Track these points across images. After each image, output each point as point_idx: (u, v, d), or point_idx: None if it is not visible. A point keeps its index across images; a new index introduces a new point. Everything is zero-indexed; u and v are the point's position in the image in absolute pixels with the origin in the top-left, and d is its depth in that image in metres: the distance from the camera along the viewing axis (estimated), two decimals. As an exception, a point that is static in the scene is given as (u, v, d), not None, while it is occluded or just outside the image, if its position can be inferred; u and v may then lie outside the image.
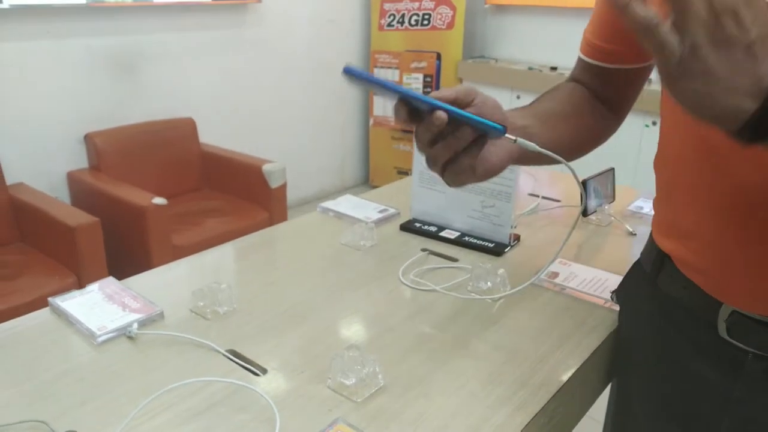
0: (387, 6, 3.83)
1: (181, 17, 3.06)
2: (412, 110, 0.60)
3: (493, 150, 0.65)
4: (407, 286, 0.94)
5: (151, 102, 3.00)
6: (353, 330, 0.84)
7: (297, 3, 3.56)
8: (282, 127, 3.69)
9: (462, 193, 1.10)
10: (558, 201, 1.32)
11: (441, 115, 0.58)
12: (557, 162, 0.68)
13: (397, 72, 3.89)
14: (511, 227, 1.08)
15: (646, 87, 0.83)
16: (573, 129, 0.79)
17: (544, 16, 3.66)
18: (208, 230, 2.64)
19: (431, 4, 3.72)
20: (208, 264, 1.03)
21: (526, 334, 0.82)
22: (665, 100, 0.69)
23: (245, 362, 0.74)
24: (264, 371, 0.73)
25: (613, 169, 1.27)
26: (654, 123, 2.81)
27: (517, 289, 0.91)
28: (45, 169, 2.69)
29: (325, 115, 3.96)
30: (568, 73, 0.88)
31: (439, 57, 3.77)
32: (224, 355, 0.75)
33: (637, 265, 0.82)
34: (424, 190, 1.16)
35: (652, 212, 0.78)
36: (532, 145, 0.63)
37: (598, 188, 1.21)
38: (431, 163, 0.63)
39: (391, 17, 3.84)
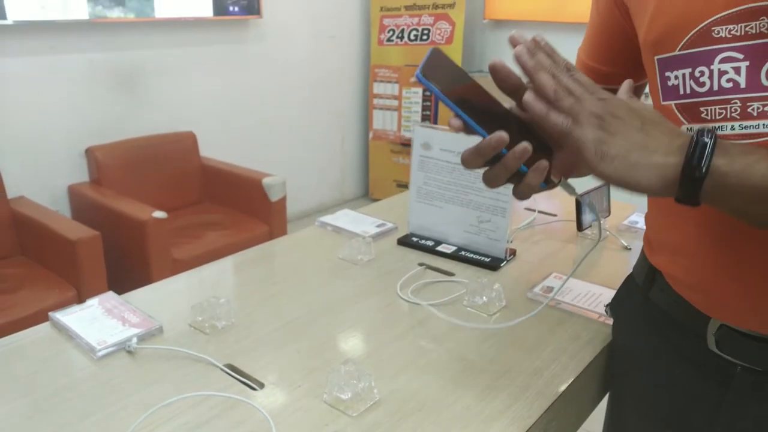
0: (386, 21, 3.87)
1: (183, 33, 3.09)
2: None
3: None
4: (404, 300, 0.95)
5: (152, 116, 3.03)
6: (350, 344, 0.85)
7: (297, 19, 3.60)
8: (282, 141, 3.71)
9: (459, 207, 1.11)
10: (554, 215, 1.33)
11: (502, 136, 0.55)
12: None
13: (396, 86, 3.92)
14: (507, 242, 1.09)
15: None
16: None
17: (541, 30, 3.68)
18: (208, 243, 2.65)
19: (430, 20, 3.76)
20: (207, 278, 1.04)
21: (521, 348, 0.83)
22: None
23: (243, 376, 0.75)
24: (261, 385, 0.74)
25: (608, 184, 1.28)
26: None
27: (527, 316, 0.92)
28: (46, 183, 2.70)
29: (324, 128, 3.99)
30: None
31: (438, 71, 3.80)
32: (222, 369, 0.76)
33: (630, 278, 0.84)
34: (421, 205, 1.17)
35: (645, 227, 0.79)
36: (572, 189, 0.63)
37: (593, 203, 1.22)
38: (488, 182, 0.60)
39: (391, 32, 3.88)
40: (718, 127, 0.59)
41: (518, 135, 0.56)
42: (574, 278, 1.02)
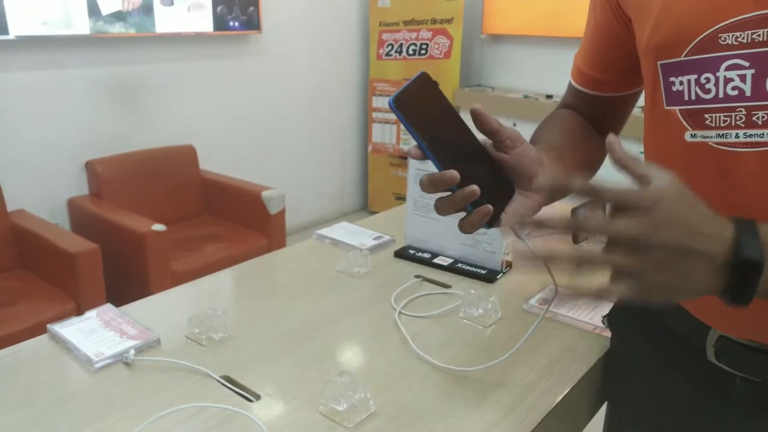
0: (385, 36, 3.90)
1: (183, 48, 3.12)
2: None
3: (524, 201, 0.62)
4: (400, 312, 0.96)
5: (151, 129, 3.05)
6: (346, 356, 0.86)
7: (297, 34, 3.63)
8: (281, 154, 3.73)
9: (455, 220, 1.12)
10: (550, 228, 1.33)
11: (453, 174, 0.56)
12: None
13: (395, 100, 3.94)
14: (504, 254, 1.10)
15: (635, 113, 0.85)
16: (583, 160, 0.79)
17: (538, 45, 3.73)
18: (207, 256, 2.66)
19: (428, 35, 3.79)
20: (204, 291, 1.05)
21: (517, 359, 0.83)
22: (647, 132, 0.72)
23: (239, 388, 0.75)
24: (257, 397, 0.74)
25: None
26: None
27: (525, 337, 0.92)
28: (46, 196, 2.72)
29: (324, 141, 4.01)
30: (563, 101, 0.89)
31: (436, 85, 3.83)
32: (219, 381, 0.77)
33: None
34: (418, 217, 1.18)
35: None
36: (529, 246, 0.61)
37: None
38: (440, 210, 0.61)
39: (389, 47, 3.91)
40: (722, 134, 0.59)
41: (482, 172, 0.58)
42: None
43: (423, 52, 3.83)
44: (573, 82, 0.85)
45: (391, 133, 4.03)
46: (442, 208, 0.60)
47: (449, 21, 3.72)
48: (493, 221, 0.59)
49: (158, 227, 2.40)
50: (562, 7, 3.44)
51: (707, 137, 0.60)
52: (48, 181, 2.72)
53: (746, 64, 0.56)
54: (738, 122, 0.58)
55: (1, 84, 2.51)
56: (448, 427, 0.69)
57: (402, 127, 3.90)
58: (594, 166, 0.83)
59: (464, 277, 1.09)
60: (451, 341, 0.88)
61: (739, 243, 0.48)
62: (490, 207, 0.58)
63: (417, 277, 1.08)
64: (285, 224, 2.94)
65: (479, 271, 1.09)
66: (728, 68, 0.57)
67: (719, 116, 0.59)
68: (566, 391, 0.77)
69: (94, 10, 2.66)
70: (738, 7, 0.56)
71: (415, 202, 1.18)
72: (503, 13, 3.78)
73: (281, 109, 3.66)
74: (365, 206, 4.35)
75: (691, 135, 0.62)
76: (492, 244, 1.09)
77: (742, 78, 0.56)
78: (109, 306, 0.93)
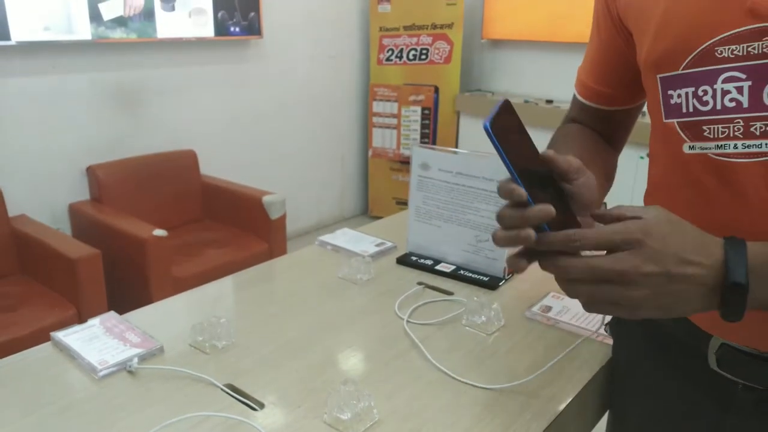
0: (386, 41, 3.91)
1: (184, 53, 3.13)
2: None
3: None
4: (403, 320, 0.96)
5: (152, 135, 3.05)
6: (350, 364, 0.85)
7: (298, 39, 3.64)
8: (282, 159, 3.74)
9: (457, 227, 1.12)
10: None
11: (550, 210, 0.53)
12: None
13: (395, 105, 3.95)
14: (506, 261, 1.10)
15: (640, 119, 0.86)
16: (604, 176, 0.78)
17: (538, 50, 3.74)
18: (208, 261, 2.66)
19: (429, 39, 3.80)
20: (207, 298, 1.05)
21: (520, 367, 0.83)
22: (654, 137, 0.72)
23: (243, 396, 0.75)
24: (261, 405, 0.74)
25: (605, 204, 1.29)
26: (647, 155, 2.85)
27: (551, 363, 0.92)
28: (47, 201, 2.72)
29: (324, 146, 4.01)
30: (563, 106, 0.90)
31: (437, 90, 3.84)
32: (222, 389, 0.77)
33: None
34: (420, 224, 1.18)
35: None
36: None
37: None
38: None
39: (390, 52, 3.92)
40: (721, 145, 0.60)
41: (556, 204, 0.55)
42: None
43: (423, 57, 3.84)
44: (579, 96, 0.85)
45: (391, 138, 4.04)
46: (509, 224, 0.56)
47: (449, 26, 3.73)
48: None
49: (159, 232, 2.40)
50: (562, 13, 3.45)
51: (706, 149, 0.61)
52: (49, 187, 2.72)
53: (743, 76, 0.57)
54: (736, 133, 0.58)
55: (2, 89, 2.52)
56: (452, 435, 0.69)
57: (403, 129, 3.93)
58: (611, 177, 0.85)
59: (466, 284, 1.09)
60: (455, 349, 0.88)
61: (728, 267, 0.51)
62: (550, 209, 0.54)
63: (419, 284, 1.08)
64: (286, 229, 2.94)
65: (481, 278, 1.10)
66: (726, 80, 0.58)
67: (717, 128, 0.60)
68: (570, 399, 0.77)
69: (95, 16, 2.66)
70: (733, 21, 0.57)
71: (417, 209, 1.18)
72: (503, 18, 3.79)
73: (282, 113, 3.67)
74: (365, 211, 4.35)
75: (690, 147, 0.63)
76: (494, 251, 1.10)
77: (740, 90, 0.57)
78: (112, 313, 0.94)
